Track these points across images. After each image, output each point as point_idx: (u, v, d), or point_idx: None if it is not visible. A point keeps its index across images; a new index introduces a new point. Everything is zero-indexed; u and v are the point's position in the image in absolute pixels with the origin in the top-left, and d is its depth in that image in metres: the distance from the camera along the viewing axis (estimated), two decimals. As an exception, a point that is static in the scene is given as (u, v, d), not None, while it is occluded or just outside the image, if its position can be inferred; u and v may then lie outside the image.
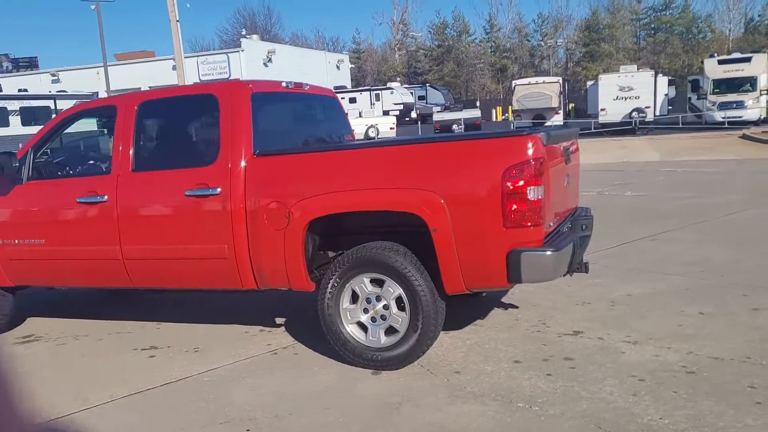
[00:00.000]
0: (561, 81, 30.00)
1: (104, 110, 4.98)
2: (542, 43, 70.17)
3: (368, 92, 46.60)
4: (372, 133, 29.40)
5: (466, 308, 5.25)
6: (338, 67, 61.32)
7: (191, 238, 4.49)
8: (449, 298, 4.12)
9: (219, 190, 4.35)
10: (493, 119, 48.45)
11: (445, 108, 36.27)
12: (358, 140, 5.59)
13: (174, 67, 52.75)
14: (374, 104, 45.21)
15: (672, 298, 5.36)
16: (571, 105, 41.93)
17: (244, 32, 55.21)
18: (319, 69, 56.94)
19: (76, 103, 30.78)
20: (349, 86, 57.78)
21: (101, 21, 33.51)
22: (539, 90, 28.33)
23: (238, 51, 49.68)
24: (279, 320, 5.34)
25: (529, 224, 3.75)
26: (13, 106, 26.94)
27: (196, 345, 4.87)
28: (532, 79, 31.08)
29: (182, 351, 4.76)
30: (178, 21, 28.61)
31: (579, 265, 4.60)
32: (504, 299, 5.55)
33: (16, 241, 5.02)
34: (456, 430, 3.35)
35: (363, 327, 4.20)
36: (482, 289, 4.07)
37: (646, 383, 3.76)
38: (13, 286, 5.31)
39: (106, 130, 5.39)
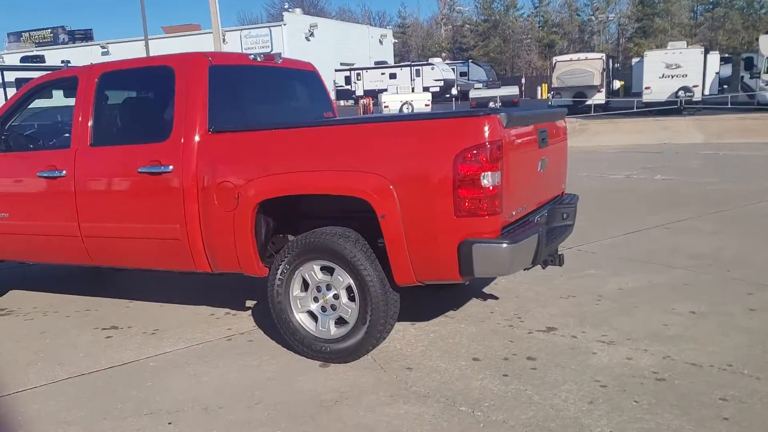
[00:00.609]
0: (605, 58, 28.81)
1: (67, 81, 4.82)
2: (593, 17, 67.98)
3: (408, 68, 46.00)
4: (406, 110, 28.97)
5: (443, 297, 4.97)
6: (381, 42, 60.79)
7: (145, 217, 4.32)
8: (413, 288, 3.85)
9: (171, 167, 4.15)
10: (538, 97, 47.23)
11: (486, 85, 35.51)
12: (323, 118, 5.28)
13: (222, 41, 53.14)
14: (414, 80, 44.63)
15: (666, 294, 4.97)
16: (621, 83, 40.34)
17: (287, 6, 55.04)
18: (362, 44, 56.52)
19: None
20: (391, 61, 57.22)
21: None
22: (581, 67, 27.27)
23: (280, 25, 49.70)
24: (250, 303, 5.16)
25: (483, 213, 3.44)
26: (55, 77, 27.41)
27: (157, 327, 4.73)
28: (574, 56, 29.95)
29: (140, 332, 4.63)
30: (215, -6, 28.49)
31: (552, 257, 4.28)
32: (486, 289, 5.25)
33: (-15, 215, 4.95)
34: (386, 433, 3.12)
35: (313, 316, 3.98)
36: (434, 281, 3.77)
37: (608, 390, 3.44)
38: (-12, 260, 5.27)
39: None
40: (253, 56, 4.75)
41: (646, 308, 4.67)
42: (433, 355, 4.00)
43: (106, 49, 56.03)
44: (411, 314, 4.62)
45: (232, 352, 4.18)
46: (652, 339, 4.09)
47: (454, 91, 43.19)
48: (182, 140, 4.13)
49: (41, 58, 32.87)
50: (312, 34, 50.84)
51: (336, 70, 47.48)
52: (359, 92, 43.94)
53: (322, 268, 3.89)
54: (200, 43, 50.55)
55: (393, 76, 45.02)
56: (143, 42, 54.12)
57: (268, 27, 50.01)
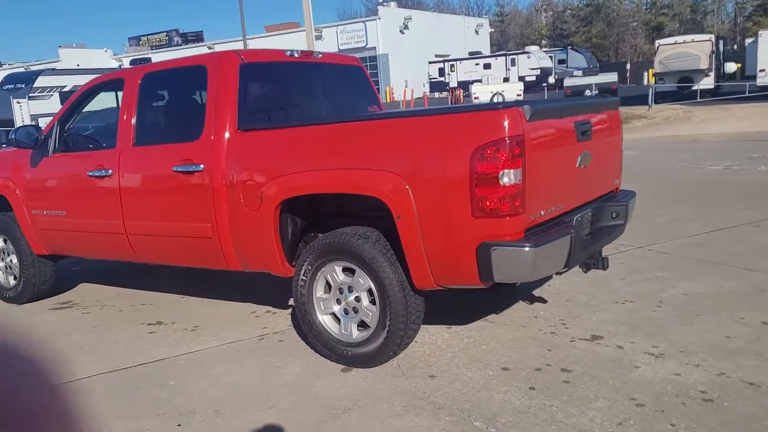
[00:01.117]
0: (713, 39, 26.81)
1: (116, 83, 4.95)
2: (706, -4, 63.67)
3: (504, 57, 44.97)
4: (497, 101, 28.21)
5: (486, 299, 4.72)
6: (477, 32, 59.89)
7: (181, 215, 4.36)
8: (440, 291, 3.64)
9: (202, 166, 4.16)
10: (645, 82, 44.83)
11: (584, 72, 34.18)
12: (358, 114, 5.11)
13: (316, 38, 54.39)
14: (509, 69, 43.62)
15: (738, 301, 4.47)
16: (737, 66, 37.41)
17: (381, 0, 55.31)
18: (457, 34, 55.92)
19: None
20: (487, 51, 56.27)
21: (240, -5, 34.85)
22: (686, 50, 25.55)
23: (375, 19, 50.02)
24: (293, 301, 5.12)
25: (503, 214, 3.19)
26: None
27: (198, 323, 4.79)
28: (679, 38, 28.08)
29: (181, 329, 4.70)
30: (308, -10, 28.97)
31: (595, 260, 3.94)
32: (536, 290, 4.94)
33: (45, 212, 5.20)
34: (390, 447, 2.96)
35: (337, 319, 3.87)
36: (455, 286, 3.55)
37: (644, 409, 3.10)
38: (55, 254, 5.52)
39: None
40: (289, 52, 4.69)
41: (711, 317, 4.22)
42: (460, 362, 3.78)
43: (212, 50, 58.37)
44: (448, 317, 4.43)
45: (259, 353, 4.15)
46: (708, 352, 3.68)
47: (551, 80, 41.87)
48: (212, 139, 4.13)
49: (148, 60, 34.84)
50: (406, 27, 50.84)
51: (430, 62, 47.21)
52: (453, 83, 43.46)
53: (344, 270, 3.77)
54: (298, 40, 51.78)
55: (487, 66, 44.19)
56: (242, 42, 56.20)
57: (363, 22, 50.46)
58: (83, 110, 5.22)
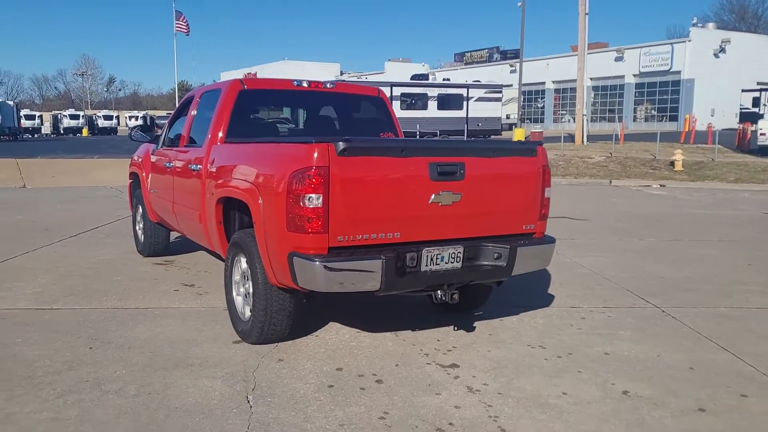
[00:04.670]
0: None
1: (191, 98, 6.42)
2: None
3: (839, 89, 37.85)
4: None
5: (431, 314, 5.09)
6: (820, 59, 51.31)
7: (191, 203, 5.64)
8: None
9: (199, 167, 5.38)
10: None
11: None
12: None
13: (616, 59, 52.37)
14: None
15: (641, 372, 4.16)
16: None
17: (695, 20, 50.84)
18: (787, 60, 48.77)
19: (485, 92, 33.56)
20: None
21: (524, 16, 35.66)
22: None
23: (684, 41, 46.46)
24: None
25: (308, 230, 3.78)
26: (433, 93, 31.46)
27: (212, 290, 6.00)
28: None
29: (195, 292, 5.96)
30: (586, 14, 28.64)
31: (444, 292, 4.17)
32: (485, 321, 5.10)
33: (152, 190, 6.97)
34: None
35: (242, 300, 4.75)
36: (287, 287, 4.15)
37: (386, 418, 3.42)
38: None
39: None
40: (297, 82, 5.64)
41: (587, 376, 4.06)
42: (320, 358, 4.32)
43: (513, 68, 60.11)
44: (376, 323, 4.97)
45: (209, 318, 5.18)
46: (523, 402, 3.68)
47: None
48: (207, 146, 5.32)
49: (425, 76, 37.68)
50: (722, 50, 46.12)
51: (743, 90, 42.05)
52: None
53: (247, 261, 4.64)
54: (599, 60, 50.50)
55: (813, 98, 37.71)
56: (545, 61, 56.48)
57: (671, 44, 47.16)
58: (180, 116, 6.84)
